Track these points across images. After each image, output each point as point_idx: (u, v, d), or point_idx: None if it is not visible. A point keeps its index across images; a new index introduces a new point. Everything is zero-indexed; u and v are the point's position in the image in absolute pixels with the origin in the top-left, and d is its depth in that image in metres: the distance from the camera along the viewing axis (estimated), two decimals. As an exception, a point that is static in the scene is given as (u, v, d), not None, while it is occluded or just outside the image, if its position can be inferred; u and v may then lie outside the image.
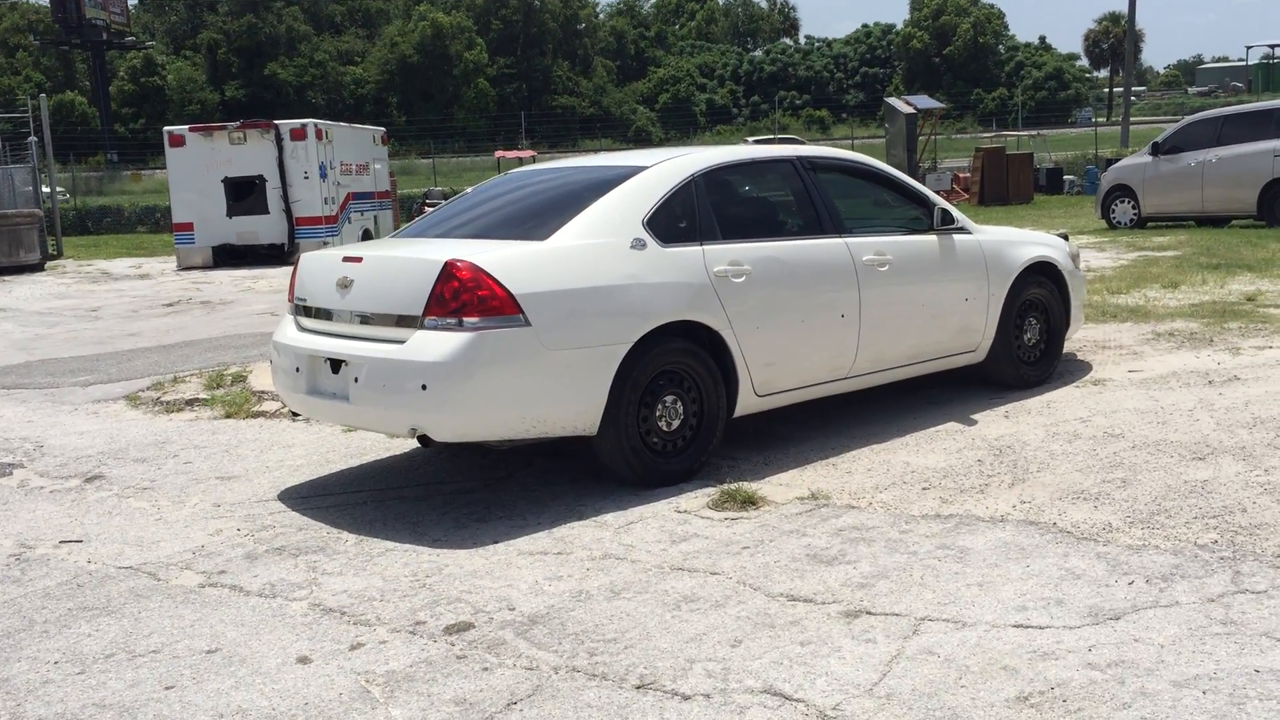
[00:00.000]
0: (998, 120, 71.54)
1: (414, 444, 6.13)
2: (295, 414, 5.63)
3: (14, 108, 39.68)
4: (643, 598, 4.13)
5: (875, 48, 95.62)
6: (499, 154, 37.66)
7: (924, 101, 31.19)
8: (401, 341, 4.92)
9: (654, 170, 5.69)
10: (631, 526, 4.93)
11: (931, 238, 6.55)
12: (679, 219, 5.58)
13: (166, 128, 21.75)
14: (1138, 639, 3.58)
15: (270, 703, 3.45)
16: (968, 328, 6.68)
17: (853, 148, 40.88)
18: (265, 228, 20.80)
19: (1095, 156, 32.67)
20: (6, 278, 19.28)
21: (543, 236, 5.25)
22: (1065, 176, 31.12)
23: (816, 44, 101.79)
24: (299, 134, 20.64)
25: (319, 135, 20.90)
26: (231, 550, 4.89)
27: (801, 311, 5.82)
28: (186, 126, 21.70)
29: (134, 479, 6.14)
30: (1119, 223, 18.95)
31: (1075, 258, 7.56)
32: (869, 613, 3.90)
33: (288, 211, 20.85)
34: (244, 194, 20.88)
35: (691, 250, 5.47)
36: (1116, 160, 22.70)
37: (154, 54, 77.61)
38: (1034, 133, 42.38)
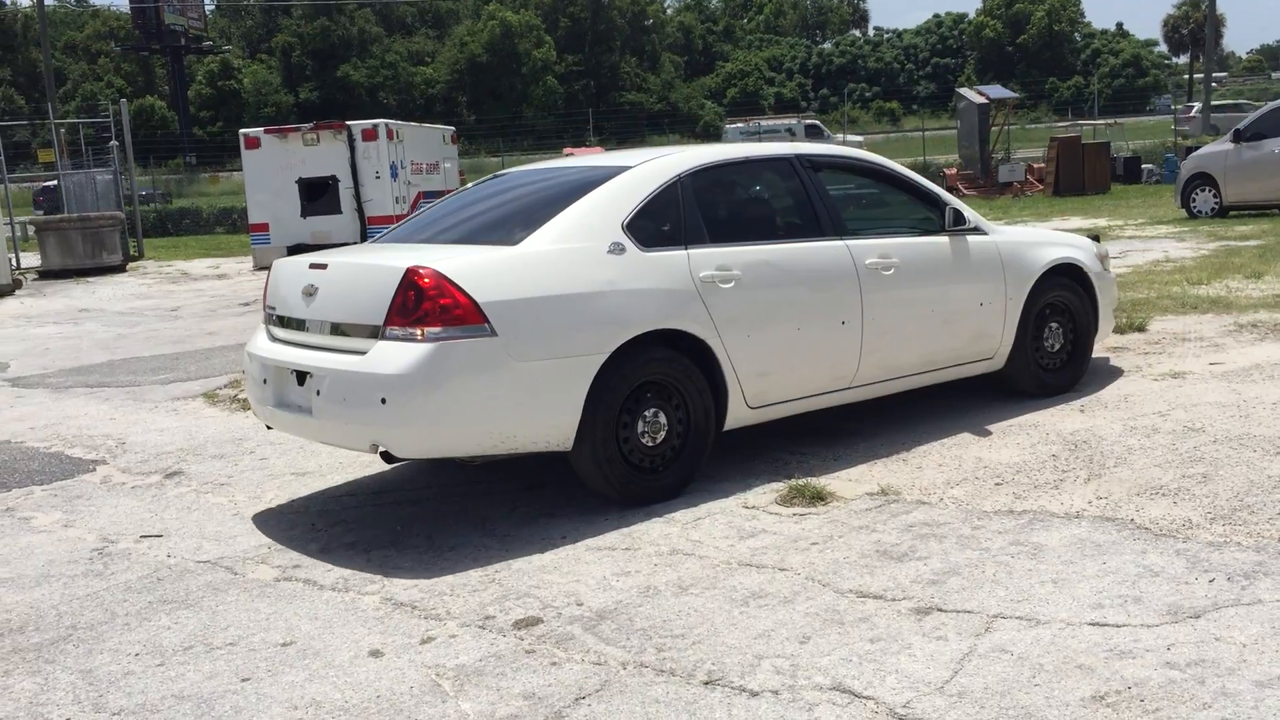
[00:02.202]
0: (1073, 109, 70.19)
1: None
2: (269, 426, 5.35)
3: (97, 113, 40.73)
4: (710, 593, 4.12)
5: (946, 38, 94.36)
6: (567, 151, 37.81)
7: (997, 91, 30.73)
8: (363, 353, 4.68)
9: (637, 171, 5.39)
10: (699, 522, 4.92)
11: (943, 239, 6.20)
12: (662, 222, 5.29)
13: (242, 130, 22.16)
14: (1218, 638, 3.49)
15: (343, 695, 3.50)
16: (983, 333, 6.32)
17: (923, 140, 40.45)
18: (338, 227, 21.09)
19: (1175, 144, 31.91)
20: (90, 279, 19.79)
21: (515, 241, 4.98)
22: (1143, 165, 30.44)
23: (886, 35, 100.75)
24: (370, 134, 20.91)
25: (390, 135, 21.15)
26: (306, 545, 4.96)
27: (797, 318, 5.50)
28: (262, 129, 22.09)
29: (212, 475, 6.27)
30: (1199, 212, 18.49)
31: (1104, 259, 7.14)
32: (940, 610, 3.85)
33: (360, 211, 21.12)
34: (317, 194, 21.21)
35: (675, 254, 5.18)
36: (1196, 148, 22.15)
37: (230, 58, 79.16)
38: (1110, 121, 41.50)
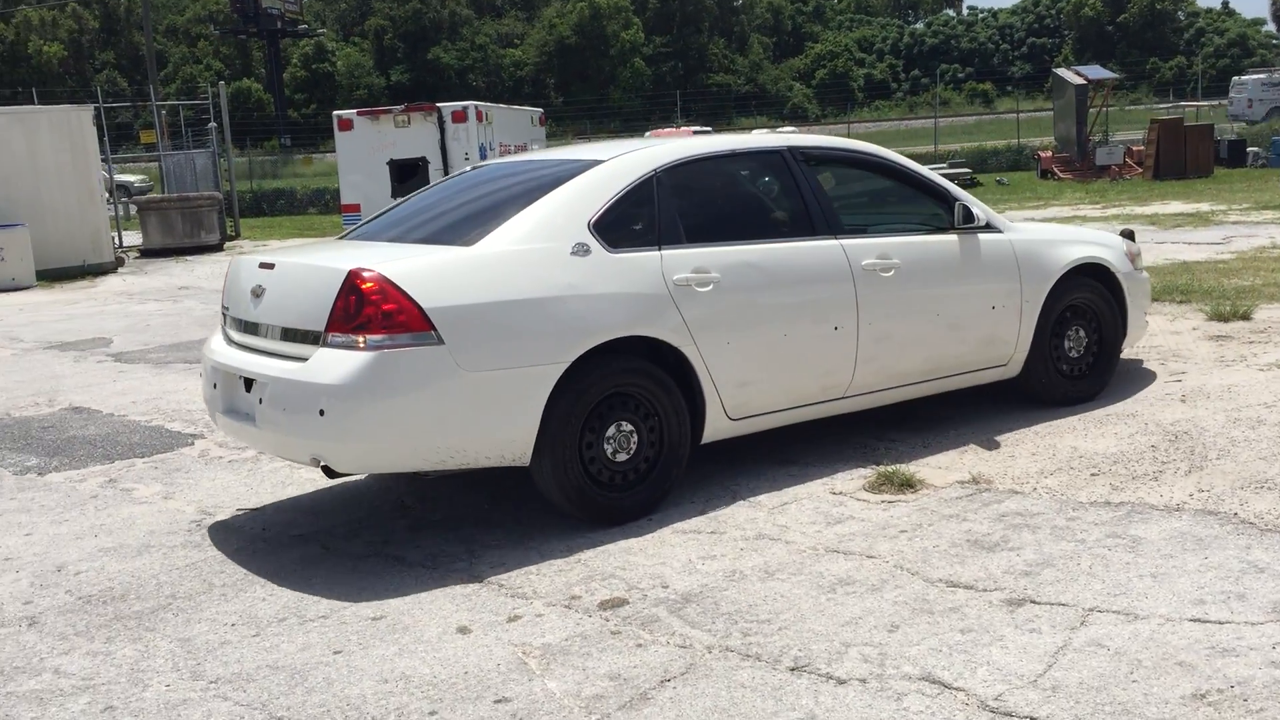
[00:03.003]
0: (1175, 90, 68.15)
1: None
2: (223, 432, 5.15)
3: (196, 95, 41.72)
4: (797, 579, 4.09)
5: (1043, 17, 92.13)
6: (654, 133, 37.76)
7: (1095, 72, 29.91)
8: (305, 360, 4.41)
9: (608, 165, 5.03)
10: (786, 507, 4.88)
11: (951, 238, 5.76)
12: (633, 220, 4.93)
13: (336, 112, 22.49)
14: (1328, 639, 3.36)
15: (431, 670, 3.55)
16: (995, 339, 5.88)
17: (1018, 122, 39.58)
18: (428, 208, 21.30)
19: (1284, 127, 30.78)
20: (189, 257, 20.30)
21: (472, 242, 4.66)
22: (1249, 149, 29.43)
23: (981, 15, 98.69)
24: (460, 116, 21.08)
25: (479, 117, 21.30)
26: (395, 521, 5.03)
27: (783, 324, 5.12)
28: (354, 111, 22.40)
29: (304, 450, 6.38)
30: (1309, 196, 17.82)
31: (1134, 258, 6.63)
32: (1033, 601, 3.77)
33: (449, 192, 21.31)
34: (407, 175, 21.44)
35: (646, 256, 4.81)
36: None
37: (324, 41, 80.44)
38: (1215, 103, 40.20)
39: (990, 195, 24.47)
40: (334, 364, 4.27)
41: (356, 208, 21.69)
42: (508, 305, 4.44)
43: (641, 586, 4.11)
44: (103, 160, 19.58)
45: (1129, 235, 6.96)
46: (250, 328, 4.84)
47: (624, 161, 5.06)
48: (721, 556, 4.36)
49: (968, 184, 27.81)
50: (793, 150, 5.53)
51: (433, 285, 4.37)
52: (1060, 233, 6.53)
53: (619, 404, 4.70)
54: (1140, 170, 27.13)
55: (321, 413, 4.25)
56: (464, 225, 4.91)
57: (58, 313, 13.52)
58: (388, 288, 4.29)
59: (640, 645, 3.63)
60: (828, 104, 78.93)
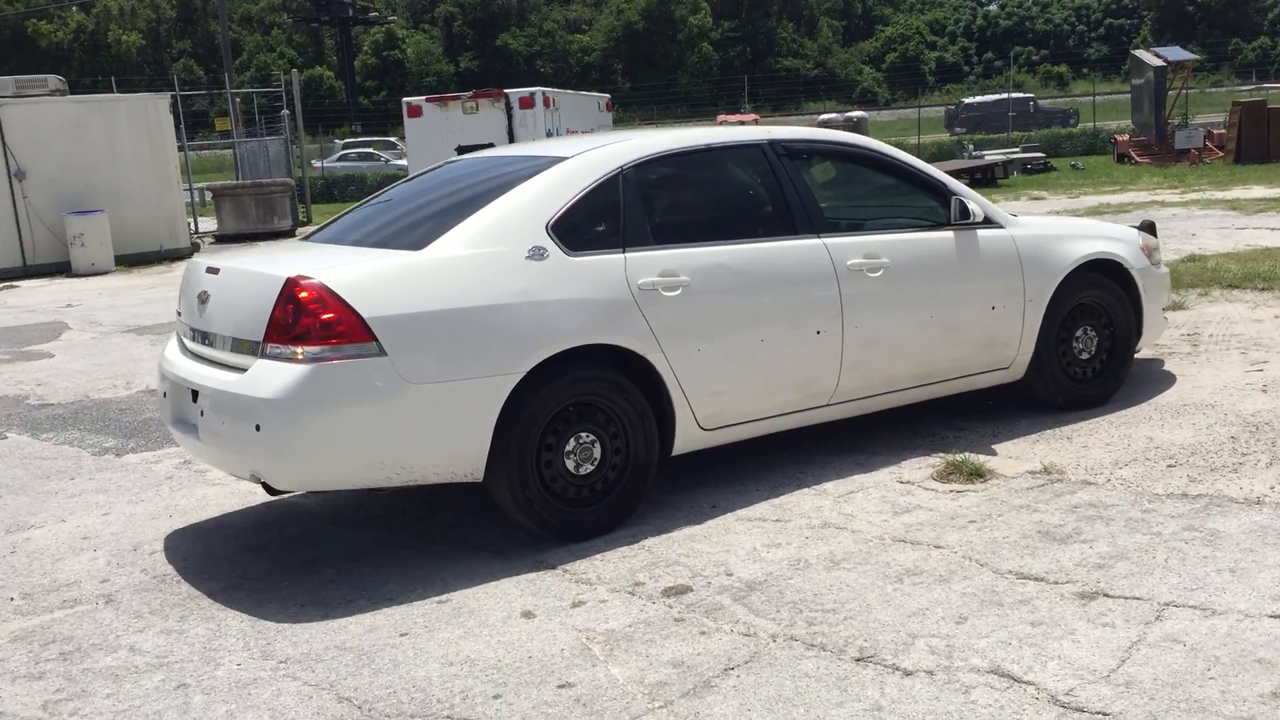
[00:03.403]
0: (1258, 72, 66.29)
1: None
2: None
3: (269, 83, 42.32)
4: (863, 569, 4.05)
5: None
6: (721, 118, 37.62)
7: (1175, 53, 29.17)
8: (245, 371, 4.21)
9: (571, 163, 4.76)
10: (852, 496, 4.83)
11: (946, 235, 5.43)
12: (596, 221, 4.66)
13: (405, 98, 22.70)
14: None
15: (496, 654, 3.57)
16: (996, 340, 5.55)
17: (1094, 105, 38.82)
18: (495, 194, 21.43)
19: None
20: (261, 243, 20.63)
21: (420, 246, 4.43)
22: (1337, 132, 28.50)
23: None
24: (528, 102, 21.16)
25: (546, 103, 21.36)
26: (461, 506, 5.07)
27: (760, 328, 4.85)
28: (423, 97, 22.58)
29: (373, 434, 6.44)
30: (1400, 181, 17.23)
31: (1152, 252, 6.24)
32: (1106, 595, 3.69)
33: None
34: (475, 162, 21.57)
35: (608, 259, 4.55)
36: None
37: (395, 28, 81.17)
38: (1300, 84, 39.01)
39: (1065, 180, 24.03)
40: (271, 376, 4.06)
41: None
42: (456, 314, 4.21)
43: (705, 574, 4.10)
44: (179, 148, 19.95)
45: (1149, 228, 6.61)
46: (198, 335, 4.64)
47: (587, 159, 4.79)
48: (786, 545, 4.33)
49: (1041, 168, 27.34)
50: (774, 144, 5.22)
51: (375, 293, 4.14)
52: (1068, 227, 6.10)
53: (581, 415, 4.46)
54: (1221, 154, 26.44)
55: (258, 427, 4.05)
56: (419, 228, 4.66)
57: (135, 297, 13.82)
58: (326, 296, 4.06)
59: (704, 633, 3.62)
60: (898, 88, 78.01)
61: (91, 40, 72.68)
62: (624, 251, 4.61)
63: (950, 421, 5.82)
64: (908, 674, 3.27)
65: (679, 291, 4.64)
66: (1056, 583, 3.82)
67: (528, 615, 3.84)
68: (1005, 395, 6.12)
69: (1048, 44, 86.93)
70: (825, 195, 5.50)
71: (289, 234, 21.77)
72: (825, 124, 25.90)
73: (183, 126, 22.53)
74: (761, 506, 4.77)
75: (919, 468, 5.14)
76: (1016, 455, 5.24)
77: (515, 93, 21.57)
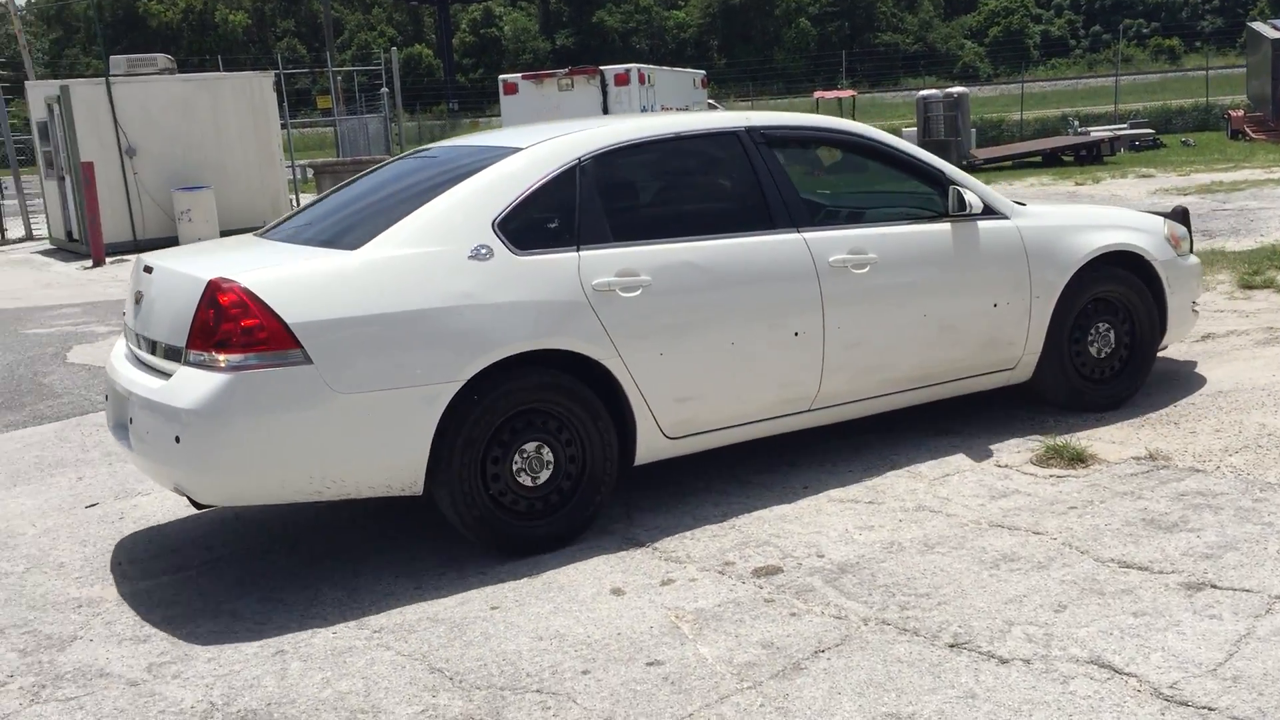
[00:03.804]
0: (1384, 43, 63.27)
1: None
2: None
3: (369, 61, 42.95)
4: (958, 553, 3.97)
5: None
6: (818, 95, 37.16)
7: (1294, 24, 27.98)
8: (168, 378, 4.01)
9: (523, 155, 4.47)
10: (947, 479, 4.74)
11: (943, 227, 5.07)
12: (548, 218, 4.39)
13: (501, 76, 22.86)
14: None
15: (585, 630, 3.58)
16: (998, 340, 5.20)
17: (1206, 79, 37.42)
18: (590, 171, 21.48)
19: None
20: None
21: (355, 245, 4.16)
22: None
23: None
24: (623, 79, 21.14)
25: (641, 79, 21.32)
26: (552, 481, 5.09)
27: (731, 330, 4.53)
28: (520, 75, 22.71)
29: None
30: None
31: (1179, 241, 5.77)
32: (1214, 586, 3.56)
33: (611, 155, 21.43)
34: (570, 139, 21.63)
35: (560, 258, 4.27)
36: None
37: (492, 6, 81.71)
38: None
39: (1175, 157, 23.27)
40: (191, 385, 3.85)
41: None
42: (389, 318, 3.94)
43: (796, 555, 4.06)
44: (281, 125, 20.35)
45: (1181, 215, 6.15)
46: (134, 337, 4.46)
47: (542, 150, 4.49)
48: (879, 527, 4.27)
49: (1150, 145, 26.50)
50: (752, 131, 4.87)
51: (301, 297, 3.89)
52: (1082, 216, 5.63)
53: (531, 424, 4.20)
54: (1343, 130, 25.35)
55: (177, 439, 3.84)
56: (363, 225, 4.39)
57: (239, 271, 14.13)
58: (248, 301, 3.82)
59: (794, 614, 3.58)
60: (1000, 63, 76.22)
61: (200, 20, 74.53)
62: (578, 250, 4.31)
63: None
64: (1004, 662, 3.19)
65: (638, 292, 4.34)
66: (1161, 572, 3.70)
67: (617, 592, 3.85)
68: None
69: (1159, 16, 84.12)
70: (812, 186, 5.24)
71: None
72: (924, 100, 25.38)
73: (285, 104, 23.00)
74: (854, 488, 4.71)
75: (1017, 451, 5.02)
76: (1120, 440, 5.09)
77: (610, 69, 21.57)
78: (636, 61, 22.56)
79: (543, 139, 4.59)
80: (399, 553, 4.36)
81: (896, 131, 29.96)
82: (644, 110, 21.31)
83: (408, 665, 3.43)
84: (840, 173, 5.68)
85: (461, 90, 70.59)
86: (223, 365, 3.81)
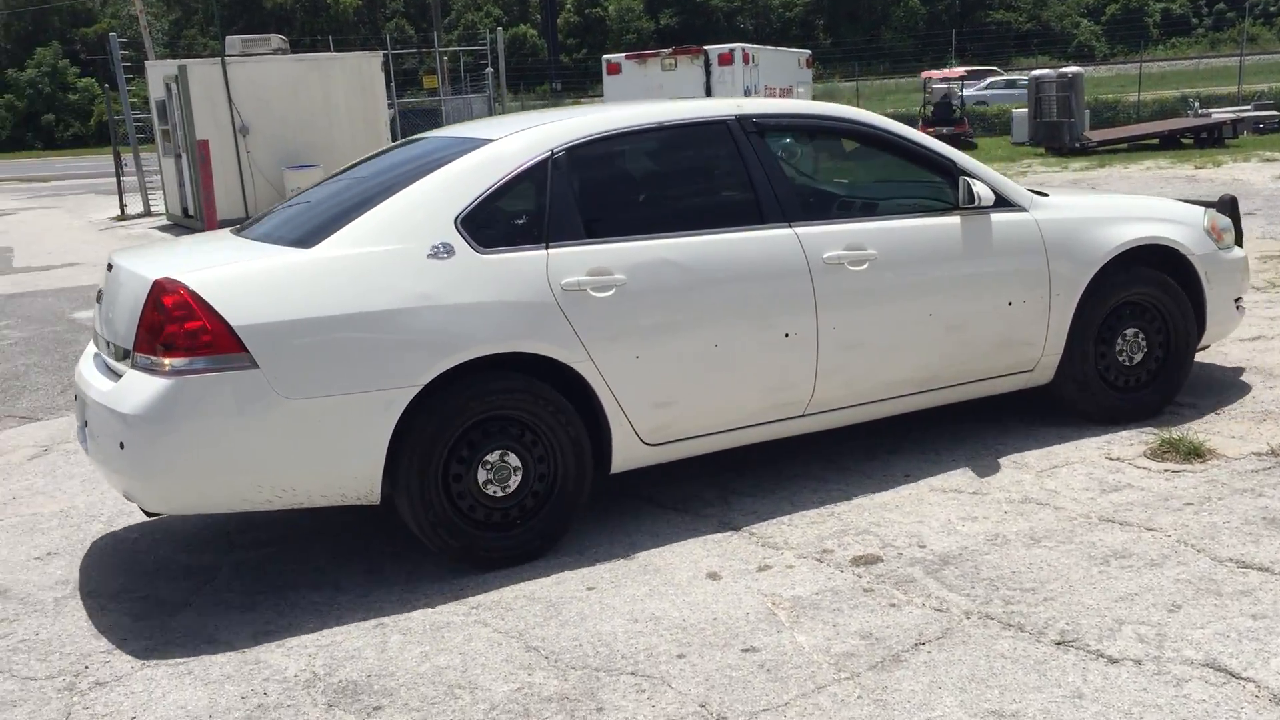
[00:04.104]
0: None
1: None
2: None
3: (475, 41, 43.36)
4: (1066, 548, 3.85)
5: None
6: (926, 75, 36.45)
7: None
8: (119, 380, 3.88)
9: (491, 148, 4.25)
10: (1055, 471, 4.61)
11: (951, 220, 4.76)
12: (516, 213, 4.19)
13: (605, 56, 22.88)
14: None
15: (680, 614, 3.56)
16: (1013, 341, 4.88)
17: (1338, 58, 35.70)
18: (692, 152, 21.39)
19: None
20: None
21: (311, 244, 3.99)
22: None
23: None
24: (726, 58, 21.00)
25: (745, 59, 21.16)
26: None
27: (714, 332, 4.28)
28: (623, 55, 22.72)
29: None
30: None
31: (1222, 234, 5.37)
32: (1339, 591, 3.41)
33: (713, 136, 21.32)
34: (672, 119, 21.56)
35: (527, 256, 4.04)
36: None
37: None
38: None
39: (1301, 140, 22.32)
40: (135, 389, 3.71)
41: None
42: (340, 320, 3.76)
43: (896, 544, 3.99)
44: (389, 105, 20.66)
45: (1228, 205, 5.71)
46: (96, 336, 4.38)
47: (512, 143, 4.27)
48: (984, 519, 4.17)
49: (1275, 128, 25.46)
50: (743, 119, 4.59)
51: (247, 298, 3.73)
52: (1110, 207, 5.24)
53: (499, 430, 4.00)
54: None
55: (122, 445, 3.73)
56: (326, 221, 4.17)
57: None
58: (191, 302, 3.67)
59: (894, 605, 3.52)
60: (1117, 41, 73.94)
61: (312, 1, 76.03)
62: (547, 247, 4.09)
63: (1166, 396, 5.49)
64: (1113, 661, 3.09)
65: (611, 292, 4.10)
66: (1282, 574, 3.55)
67: (713, 577, 3.82)
68: (1230, 368, 5.73)
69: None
70: (811, 178, 5.00)
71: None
72: (1037, 80, 24.73)
73: (393, 84, 23.35)
74: (957, 477, 4.61)
75: (1130, 444, 4.86)
76: (1240, 435, 4.90)
77: (714, 49, 21.44)
78: (741, 41, 22.37)
79: (516, 130, 4.38)
80: (497, 530, 4.39)
81: (1007, 115, 29.25)
82: (746, 91, 21.16)
83: (504, 642, 3.45)
84: (847, 164, 5.40)
85: (565, 70, 70.88)
86: (166, 369, 3.66)
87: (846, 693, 3.04)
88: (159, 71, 18.92)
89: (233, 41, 18.61)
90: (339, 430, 3.77)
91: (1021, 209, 4.94)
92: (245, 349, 3.67)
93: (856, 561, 3.86)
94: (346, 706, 3.15)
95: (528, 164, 4.20)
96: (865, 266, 4.54)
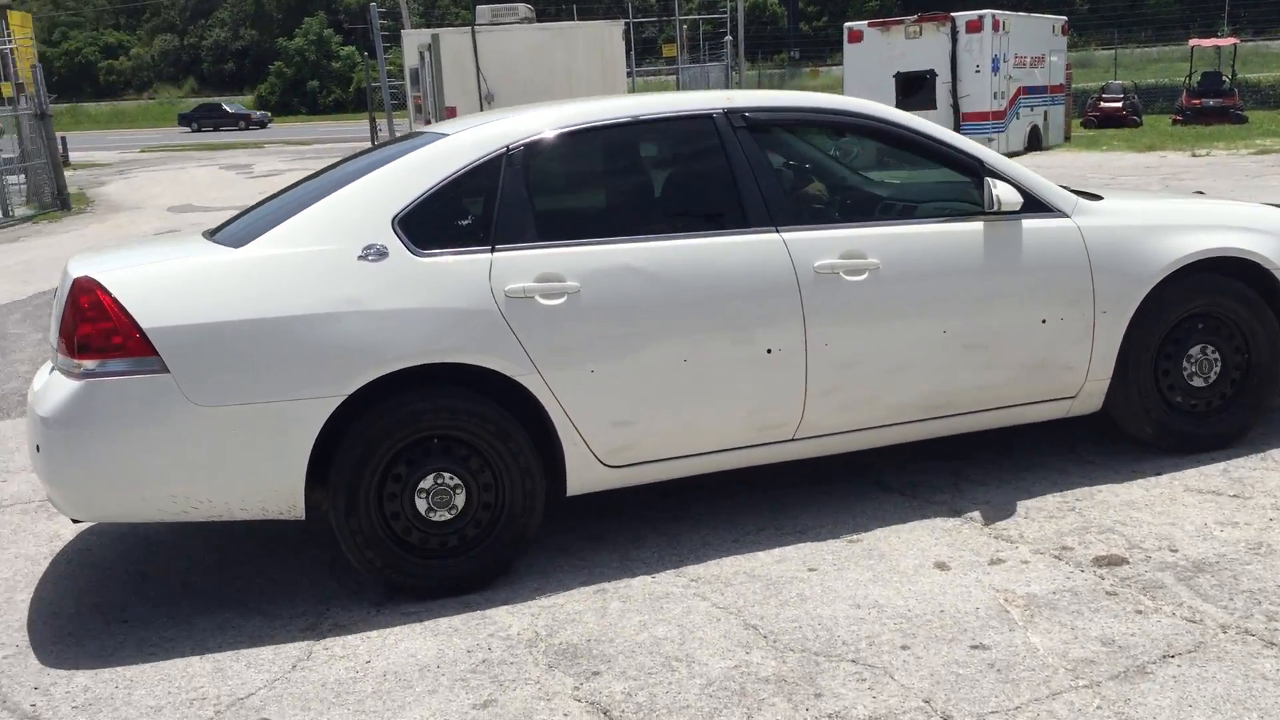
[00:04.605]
0: None
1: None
2: None
3: (715, 10, 43.29)
4: (1341, 564, 3.51)
5: None
6: (1193, 43, 34.05)
7: None
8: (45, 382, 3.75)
9: (442, 144, 3.97)
10: (1331, 477, 4.21)
11: (973, 226, 4.23)
12: (461, 214, 3.88)
13: (847, 24, 22.42)
14: None
15: (906, 603, 3.43)
16: (1050, 363, 4.33)
17: None
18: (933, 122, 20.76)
19: None
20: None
21: (242, 243, 3.77)
22: None
23: None
24: (975, 26, 20.21)
25: (995, 26, 20.30)
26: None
27: (682, 346, 3.88)
28: (865, 22, 22.20)
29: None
30: None
31: None
32: None
33: (955, 107, 20.62)
34: (913, 89, 20.97)
35: (468, 260, 3.72)
36: None
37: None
38: None
39: None
40: (52, 392, 3.58)
41: (860, 121, 21.56)
42: (257, 325, 3.52)
43: (1144, 546, 3.72)
44: (627, 73, 20.87)
45: None
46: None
47: (463, 138, 3.97)
48: (1245, 525, 3.84)
49: None
50: (731, 114, 4.16)
51: (162, 300, 3.53)
52: (1175, 213, 4.64)
53: (440, 450, 3.70)
54: None
55: (38, 448, 3.61)
56: (271, 221, 3.93)
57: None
58: (105, 302, 3.51)
59: (1140, 612, 3.29)
60: None
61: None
62: (492, 251, 3.76)
63: None
64: (1394, 695, 2.79)
65: (563, 300, 3.75)
66: None
67: (941, 566, 3.67)
68: None
69: None
70: (814, 178, 4.58)
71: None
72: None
73: (632, 53, 23.61)
74: (1216, 477, 4.27)
75: None
76: None
77: (962, 16, 20.68)
78: (991, 7, 21.47)
79: (473, 125, 4.10)
80: (721, 504, 4.36)
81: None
82: (995, 61, 20.30)
83: (723, 618, 3.42)
84: (871, 166, 4.91)
85: (804, 39, 69.97)
86: (79, 371, 3.51)
87: (1084, 701, 2.86)
88: (414, 40, 19.78)
89: (482, 11, 19.23)
90: (256, 441, 3.54)
91: (1062, 215, 4.38)
92: (156, 352, 3.48)
93: (1099, 562, 3.63)
94: (566, 669, 3.19)
95: (479, 160, 3.88)
96: (864, 277, 4.06)
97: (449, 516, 3.71)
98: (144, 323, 3.49)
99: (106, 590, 3.94)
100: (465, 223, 3.85)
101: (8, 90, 21.67)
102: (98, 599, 3.86)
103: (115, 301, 3.51)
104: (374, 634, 3.47)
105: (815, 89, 41.24)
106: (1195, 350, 4.52)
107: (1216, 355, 4.54)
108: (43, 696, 3.23)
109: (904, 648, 3.18)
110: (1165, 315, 4.44)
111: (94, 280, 3.55)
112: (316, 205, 3.82)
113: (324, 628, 3.54)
